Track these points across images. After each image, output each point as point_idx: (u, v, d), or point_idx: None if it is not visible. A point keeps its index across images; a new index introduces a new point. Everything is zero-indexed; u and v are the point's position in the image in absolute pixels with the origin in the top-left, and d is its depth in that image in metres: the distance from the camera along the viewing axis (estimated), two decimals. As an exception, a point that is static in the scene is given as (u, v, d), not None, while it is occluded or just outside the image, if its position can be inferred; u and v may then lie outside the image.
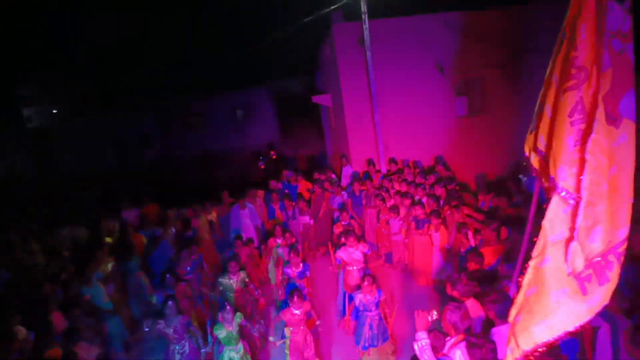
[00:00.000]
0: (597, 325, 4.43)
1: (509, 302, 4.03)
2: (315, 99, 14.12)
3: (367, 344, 5.99)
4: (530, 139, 3.69)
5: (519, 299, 3.27)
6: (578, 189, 2.94)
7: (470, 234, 6.96)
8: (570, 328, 3.01)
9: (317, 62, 15.85)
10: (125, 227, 10.44)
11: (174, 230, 9.42)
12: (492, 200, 8.16)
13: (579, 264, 2.93)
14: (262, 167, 18.39)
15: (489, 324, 4.25)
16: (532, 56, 10.49)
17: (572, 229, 2.94)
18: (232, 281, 7.07)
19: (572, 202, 2.98)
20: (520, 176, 8.88)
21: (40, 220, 12.21)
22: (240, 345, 5.78)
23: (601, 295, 2.92)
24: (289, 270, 7.14)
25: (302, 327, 5.80)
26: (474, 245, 6.74)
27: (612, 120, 2.85)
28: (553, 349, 3.86)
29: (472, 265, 5.87)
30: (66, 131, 24.56)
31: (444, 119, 11.46)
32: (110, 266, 8.15)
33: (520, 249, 4.75)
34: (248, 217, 9.90)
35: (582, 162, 2.92)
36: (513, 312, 3.31)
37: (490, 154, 11.06)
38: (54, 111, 32.98)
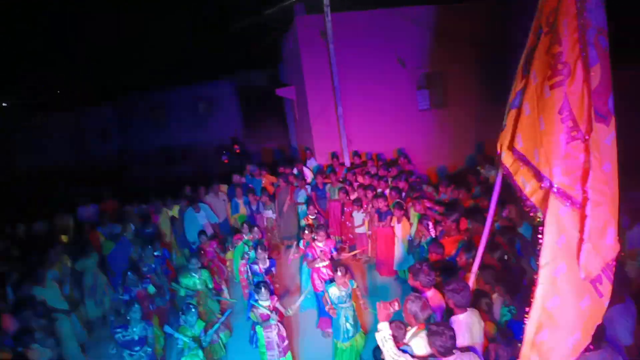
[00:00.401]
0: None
1: (468, 291, 4.14)
2: (279, 91, 14.01)
3: (346, 336, 5.98)
4: (503, 136, 3.67)
5: (536, 313, 3.09)
6: (573, 187, 2.90)
7: (431, 224, 7.10)
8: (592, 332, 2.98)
9: (280, 54, 15.72)
10: (81, 224, 10.08)
11: (133, 227, 9.15)
12: (452, 192, 8.34)
13: (595, 267, 2.88)
14: (226, 161, 18.12)
15: (449, 313, 4.34)
16: (493, 52, 10.74)
17: (581, 231, 2.86)
18: (194, 280, 6.92)
19: (568, 203, 2.92)
20: (478, 168, 9.11)
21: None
22: (200, 351, 5.68)
23: (609, 293, 2.93)
24: (255, 267, 7.06)
25: (275, 322, 5.76)
26: (434, 236, 6.88)
27: (602, 117, 2.85)
28: (507, 333, 3.99)
29: (433, 256, 5.99)
30: (20, 125, 23.42)
31: (405, 112, 11.60)
32: (64, 265, 7.85)
33: (479, 240, 4.89)
34: (204, 218, 9.72)
35: (576, 160, 2.90)
36: (531, 329, 3.14)
37: (450, 146, 11.30)
38: (4, 104, 31.35)
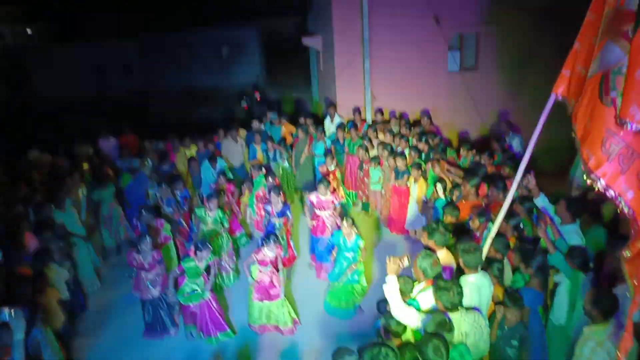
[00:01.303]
0: (558, 281, 4.61)
1: (479, 252, 4.13)
2: (305, 40, 13.65)
3: (337, 280, 6.23)
4: (579, 106, 3.34)
5: None
6: None
7: (440, 187, 7.06)
8: None
9: (309, 2, 15.21)
10: (101, 156, 10.23)
11: (151, 162, 9.24)
12: (474, 157, 8.20)
13: None
14: (246, 107, 17.97)
15: (459, 273, 4.36)
16: (535, 16, 10.21)
17: None
18: (207, 216, 7.05)
19: None
20: (503, 135, 8.90)
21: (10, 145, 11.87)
22: (201, 279, 5.88)
23: None
24: (269, 208, 7.16)
25: (270, 269, 5.88)
26: (448, 200, 6.85)
27: None
28: (515, 297, 4.01)
29: (447, 219, 5.98)
30: (43, 53, 23.39)
31: (434, 73, 11.24)
32: (81, 192, 8.02)
33: (496, 206, 4.85)
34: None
35: None
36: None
37: (476, 112, 10.98)
38: (29, 31, 31.25)
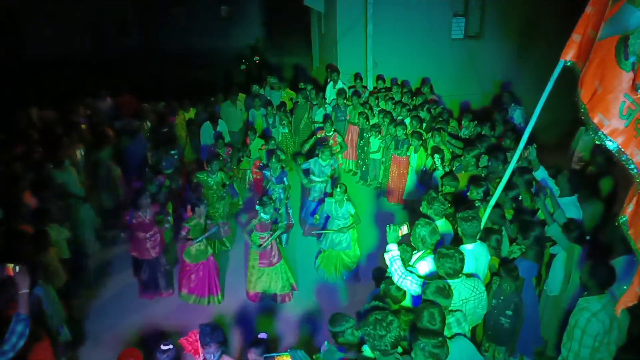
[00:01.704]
0: (554, 253, 4.69)
1: (477, 221, 4.18)
2: (307, 1, 13.30)
3: (328, 247, 6.35)
4: (587, 71, 3.23)
5: None
6: None
7: (439, 158, 7.06)
8: None
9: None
10: (98, 116, 10.10)
11: (149, 124, 9.16)
12: (475, 127, 8.17)
13: None
14: (245, 71, 17.69)
15: (456, 242, 4.42)
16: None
17: None
18: (209, 178, 7.08)
19: None
20: (505, 106, 8.81)
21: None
22: (204, 239, 5.99)
23: None
24: (267, 173, 7.17)
25: (269, 233, 5.94)
26: (447, 169, 6.86)
27: None
28: (511, 268, 4.08)
29: (446, 189, 6.00)
30: (36, 10, 22.66)
31: (438, 40, 11.03)
32: (79, 153, 7.96)
33: (495, 177, 4.87)
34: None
35: None
36: None
37: (479, 81, 10.87)
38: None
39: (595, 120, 2.97)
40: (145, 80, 15.63)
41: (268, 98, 10.54)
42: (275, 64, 18.61)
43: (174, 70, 18.80)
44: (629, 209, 3.02)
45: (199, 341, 3.69)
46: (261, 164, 7.66)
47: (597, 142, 3.03)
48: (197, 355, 3.77)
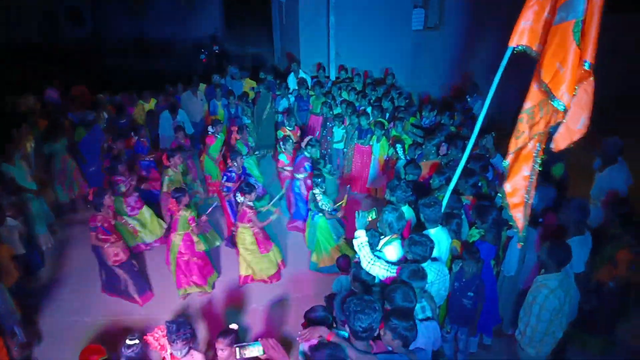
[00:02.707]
0: (511, 235, 4.89)
1: (439, 207, 4.32)
2: (268, -9, 13.16)
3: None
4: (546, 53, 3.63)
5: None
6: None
7: (401, 148, 7.21)
8: None
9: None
10: (50, 107, 9.65)
11: (106, 115, 8.84)
12: (435, 117, 8.36)
13: (562, 144, 3.62)
14: (204, 60, 17.29)
15: (419, 228, 4.54)
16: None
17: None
18: (171, 172, 6.90)
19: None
20: (468, 98, 9.03)
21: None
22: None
23: None
24: (232, 174, 6.98)
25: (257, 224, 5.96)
26: (409, 158, 7.01)
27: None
28: (472, 251, 4.25)
29: (409, 177, 6.13)
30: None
31: (398, 31, 11.19)
32: (29, 146, 7.60)
33: (456, 165, 4.99)
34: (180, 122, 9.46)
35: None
36: None
37: (439, 72, 11.12)
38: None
39: (558, 94, 3.34)
40: (101, 70, 15.06)
41: (229, 88, 10.39)
42: (236, 53, 18.30)
43: (130, 59, 18.15)
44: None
45: (165, 337, 3.63)
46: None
47: (554, 106, 3.43)
48: (163, 351, 3.71)
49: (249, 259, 6.09)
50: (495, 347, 5.02)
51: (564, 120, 3.49)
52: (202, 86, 10.46)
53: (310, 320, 3.41)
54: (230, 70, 11.04)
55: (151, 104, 9.64)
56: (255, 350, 2.69)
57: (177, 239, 5.76)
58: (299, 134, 8.73)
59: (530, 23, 3.68)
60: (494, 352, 4.99)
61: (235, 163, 6.80)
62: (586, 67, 3.21)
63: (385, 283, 3.80)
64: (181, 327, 3.57)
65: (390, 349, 3.04)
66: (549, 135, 3.77)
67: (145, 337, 3.71)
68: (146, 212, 6.99)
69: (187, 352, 3.67)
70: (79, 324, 5.63)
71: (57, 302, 6.06)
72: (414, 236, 3.76)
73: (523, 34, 3.73)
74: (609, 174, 5.61)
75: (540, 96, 3.58)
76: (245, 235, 5.95)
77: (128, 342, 3.66)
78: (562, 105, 3.35)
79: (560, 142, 3.61)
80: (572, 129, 3.53)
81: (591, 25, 3.18)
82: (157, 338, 3.70)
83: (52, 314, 5.84)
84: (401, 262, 3.89)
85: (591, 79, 3.32)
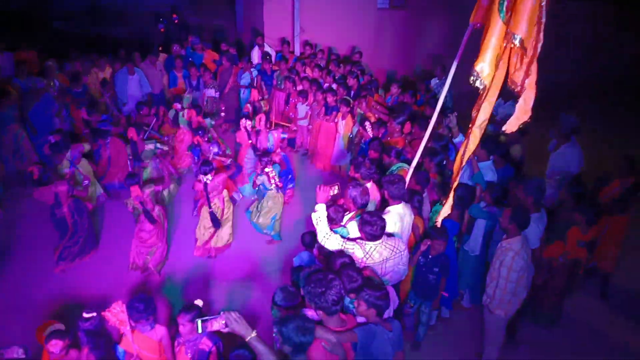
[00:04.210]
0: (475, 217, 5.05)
1: (403, 184, 4.38)
2: (231, -40, 12.69)
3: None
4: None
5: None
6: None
7: (368, 125, 7.22)
8: None
9: None
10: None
11: (57, 83, 8.34)
12: (399, 96, 8.41)
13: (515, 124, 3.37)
14: (162, 30, 16.57)
15: (384, 204, 4.59)
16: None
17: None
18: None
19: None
20: (436, 79, 9.05)
21: None
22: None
23: None
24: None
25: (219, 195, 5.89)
26: (373, 136, 7.03)
27: None
28: (441, 230, 4.35)
29: (372, 154, 6.17)
30: None
31: (364, 8, 11.11)
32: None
33: (419, 144, 5.07)
34: (137, 84, 9.13)
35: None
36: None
37: (404, 51, 11.16)
38: None
39: (478, 69, 3.32)
40: (50, 36, 14.14)
41: (190, 59, 10.04)
42: (196, 24, 17.64)
43: (82, 26, 17.14)
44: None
45: (125, 312, 3.54)
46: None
47: (473, 84, 3.39)
48: (123, 327, 3.61)
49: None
50: (453, 319, 5.22)
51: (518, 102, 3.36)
52: (162, 57, 10.06)
53: (278, 306, 3.40)
54: (191, 41, 10.64)
55: (107, 72, 9.17)
56: (217, 323, 2.64)
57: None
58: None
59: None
60: (453, 324, 5.19)
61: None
62: (516, 42, 3.06)
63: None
64: (147, 305, 3.51)
65: (362, 320, 3.09)
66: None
67: (103, 313, 3.60)
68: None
69: (153, 327, 3.61)
70: (33, 301, 5.40)
71: (9, 277, 5.78)
72: (365, 215, 3.79)
73: (484, 11, 3.74)
74: (563, 152, 5.87)
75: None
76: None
77: (85, 315, 3.55)
78: (480, 83, 3.34)
79: (514, 123, 3.45)
80: (523, 110, 3.40)
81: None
82: (116, 314, 3.60)
83: (2, 291, 5.56)
84: (357, 238, 3.91)
85: (531, 60, 3.17)
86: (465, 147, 3.71)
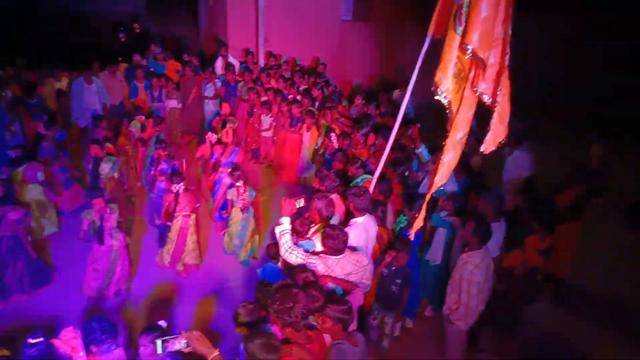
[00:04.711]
0: (436, 226, 5.14)
1: (367, 196, 4.39)
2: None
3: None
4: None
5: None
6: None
7: (334, 137, 7.27)
8: None
9: None
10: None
11: (9, 93, 7.99)
12: (362, 107, 8.52)
13: (490, 145, 3.56)
14: (123, 39, 16.26)
15: (349, 216, 4.61)
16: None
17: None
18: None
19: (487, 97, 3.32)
20: (398, 90, 9.19)
21: None
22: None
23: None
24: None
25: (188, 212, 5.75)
26: (338, 147, 7.08)
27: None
28: (405, 242, 4.39)
29: (336, 165, 6.20)
30: None
31: (327, 20, 11.23)
32: None
33: (381, 155, 5.14)
34: (95, 94, 8.86)
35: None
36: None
37: (367, 63, 11.32)
38: None
39: (436, 79, 3.42)
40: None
41: (152, 69, 9.85)
42: (158, 34, 17.36)
43: (38, 33, 16.52)
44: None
45: (78, 338, 3.37)
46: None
47: (436, 98, 3.51)
48: (75, 354, 3.43)
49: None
50: (416, 329, 5.27)
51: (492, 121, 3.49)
52: (123, 66, 9.83)
53: (241, 324, 3.33)
54: (153, 51, 10.44)
55: (63, 83, 8.86)
56: (178, 343, 2.56)
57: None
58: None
59: (442, 11, 3.79)
60: (416, 334, 5.23)
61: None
62: (468, 52, 3.14)
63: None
64: (106, 328, 3.36)
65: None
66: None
67: (53, 340, 3.41)
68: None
69: (111, 352, 3.46)
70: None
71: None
72: (327, 229, 3.77)
73: (441, 23, 3.84)
74: (516, 157, 6.09)
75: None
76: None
77: (30, 341, 3.35)
78: (444, 98, 3.46)
79: (491, 142, 3.57)
80: (499, 129, 3.54)
81: (477, 9, 3.10)
82: (67, 340, 3.42)
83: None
84: (321, 253, 3.89)
85: (499, 71, 3.28)
86: (439, 160, 3.72)
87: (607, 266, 6.28)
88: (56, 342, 3.33)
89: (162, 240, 5.88)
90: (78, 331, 3.34)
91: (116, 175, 6.63)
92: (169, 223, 5.78)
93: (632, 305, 5.66)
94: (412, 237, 4.10)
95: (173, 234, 5.82)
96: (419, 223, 3.95)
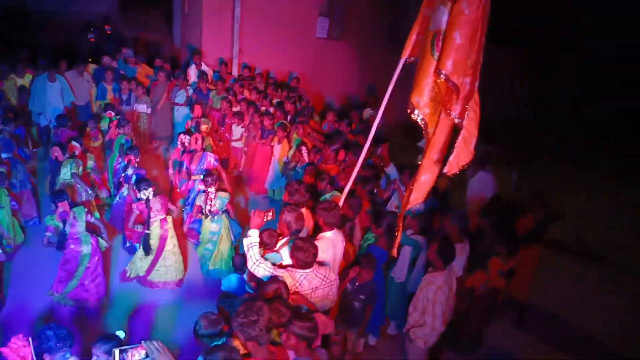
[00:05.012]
0: (402, 244, 5.19)
1: (337, 211, 4.41)
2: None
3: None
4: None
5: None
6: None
7: (305, 151, 7.29)
8: None
9: None
10: None
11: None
12: (334, 123, 8.60)
13: (454, 166, 3.69)
14: (92, 40, 15.80)
15: (317, 230, 4.60)
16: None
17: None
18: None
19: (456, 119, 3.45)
20: (369, 110, 9.33)
21: None
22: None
23: None
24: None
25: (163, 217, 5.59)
26: (309, 162, 7.10)
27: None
28: (370, 259, 4.41)
29: (307, 179, 6.22)
30: None
31: (303, 36, 11.35)
32: None
33: (351, 171, 5.21)
34: (58, 93, 8.58)
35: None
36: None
37: (340, 81, 11.46)
38: None
39: (414, 101, 3.58)
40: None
41: (122, 72, 9.63)
42: (131, 37, 17.03)
43: (1, 29, 15.91)
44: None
45: (29, 346, 3.20)
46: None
47: (413, 118, 3.68)
48: None
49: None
50: (380, 347, 5.26)
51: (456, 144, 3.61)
52: (92, 67, 9.57)
53: (202, 335, 3.24)
54: (124, 53, 10.22)
55: (26, 80, 8.54)
56: (137, 354, 2.47)
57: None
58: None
59: (418, 35, 3.92)
60: (379, 352, 5.23)
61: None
62: (442, 77, 3.30)
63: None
64: (61, 336, 3.19)
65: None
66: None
67: (2, 349, 3.22)
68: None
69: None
70: None
71: None
72: (297, 241, 3.76)
73: (415, 46, 3.96)
74: (478, 178, 6.27)
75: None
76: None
77: None
78: (421, 120, 3.61)
79: (454, 165, 3.67)
80: (464, 152, 3.64)
81: (451, 37, 3.24)
82: (16, 349, 3.24)
83: None
84: (288, 266, 3.86)
85: (467, 95, 3.40)
86: (415, 180, 3.84)
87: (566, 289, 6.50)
88: (4, 351, 3.15)
89: (146, 249, 5.64)
90: (29, 339, 3.17)
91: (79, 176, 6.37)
92: (147, 231, 5.58)
93: (587, 327, 5.87)
94: (395, 255, 4.25)
95: (154, 241, 5.63)
96: (397, 242, 4.09)
